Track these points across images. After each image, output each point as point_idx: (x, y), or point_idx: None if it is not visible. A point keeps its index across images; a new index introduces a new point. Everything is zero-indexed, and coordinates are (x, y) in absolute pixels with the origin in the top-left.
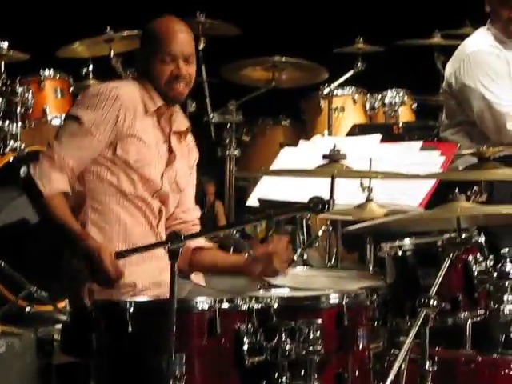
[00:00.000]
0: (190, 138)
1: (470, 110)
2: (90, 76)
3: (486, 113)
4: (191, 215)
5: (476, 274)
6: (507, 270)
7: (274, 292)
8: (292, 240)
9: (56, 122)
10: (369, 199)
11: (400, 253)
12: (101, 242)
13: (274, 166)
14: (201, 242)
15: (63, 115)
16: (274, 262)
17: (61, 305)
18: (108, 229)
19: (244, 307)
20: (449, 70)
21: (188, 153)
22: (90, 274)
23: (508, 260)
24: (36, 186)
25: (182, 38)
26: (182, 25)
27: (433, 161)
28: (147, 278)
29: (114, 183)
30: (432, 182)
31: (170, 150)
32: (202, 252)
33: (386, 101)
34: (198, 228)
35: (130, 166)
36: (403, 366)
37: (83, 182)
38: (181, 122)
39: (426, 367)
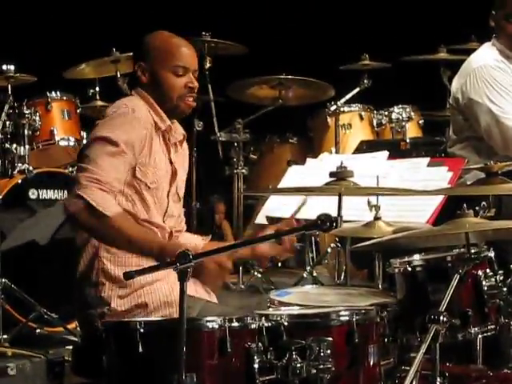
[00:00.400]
0: (185, 144)
1: (477, 124)
2: (97, 97)
3: (493, 127)
4: (183, 223)
5: (486, 288)
6: None
7: (284, 310)
8: (301, 258)
9: (63, 143)
10: (377, 217)
11: (409, 269)
12: (113, 266)
13: (282, 184)
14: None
15: (71, 136)
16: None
17: (71, 326)
18: (120, 253)
19: (254, 326)
20: (455, 85)
21: (184, 159)
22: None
23: None
24: (97, 210)
25: (191, 53)
26: (182, 39)
27: (440, 177)
28: (158, 297)
29: (128, 209)
30: (440, 199)
31: (171, 164)
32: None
33: (393, 117)
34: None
35: (147, 189)
36: (414, 382)
37: None
38: (177, 131)
39: (437, 383)
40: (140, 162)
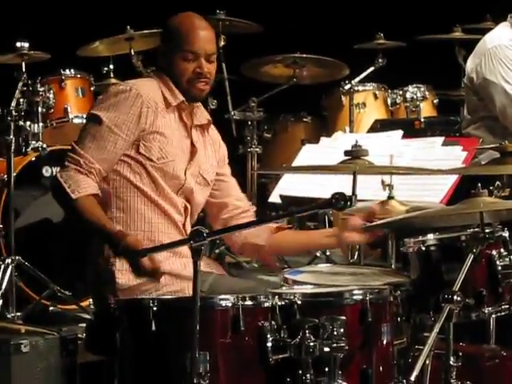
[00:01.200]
0: (212, 131)
1: (492, 104)
2: (111, 75)
3: (508, 107)
4: (246, 203)
5: (500, 268)
6: None
7: (297, 289)
8: None
9: (78, 121)
10: (390, 197)
11: (423, 248)
12: None
13: (296, 163)
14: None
15: (85, 114)
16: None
17: (84, 304)
18: (133, 227)
19: (267, 304)
20: (470, 65)
21: (213, 145)
22: (133, 272)
23: None
24: (64, 190)
25: (204, 36)
26: (203, 22)
27: (455, 156)
28: (171, 273)
29: (136, 183)
30: (454, 178)
31: (192, 145)
32: (284, 231)
33: (408, 96)
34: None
35: (154, 164)
36: (427, 361)
37: (108, 181)
38: (202, 115)
39: (451, 362)
40: (144, 139)
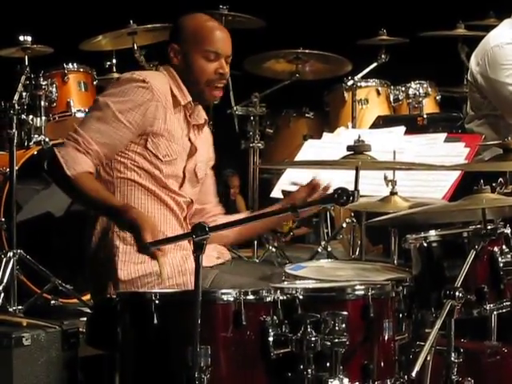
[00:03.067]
0: (206, 129)
1: (495, 101)
2: (114, 69)
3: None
4: (217, 208)
5: (501, 265)
6: None
7: (299, 283)
8: (316, 232)
9: (80, 115)
10: (393, 192)
11: (425, 244)
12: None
13: (298, 158)
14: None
15: (87, 108)
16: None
17: (85, 297)
18: None
19: (269, 299)
20: (473, 62)
21: (206, 143)
22: (136, 246)
23: None
24: (61, 167)
25: (225, 37)
26: (221, 25)
27: (457, 152)
28: (172, 266)
29: (139, 177)
30: (456, 175)
31: (191, 143)
32: None
33: (410, 92)
34: (215, 220)
35: (159, 161)
36: (429, 357)
37: (111, 173)
38: (199, 114)
39: (452, 359)
40: (153, 134)
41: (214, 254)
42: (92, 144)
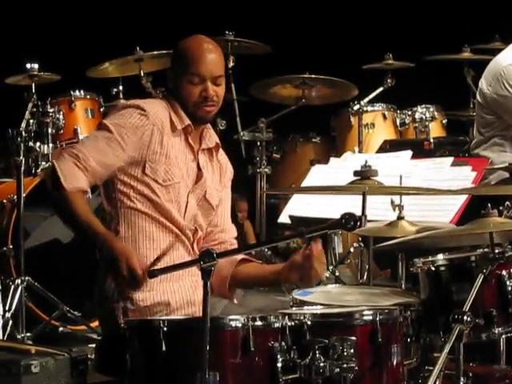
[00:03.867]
0: (221, 154)
1: (508, 117)
2: (121, 96)
3: None
4: (229, 235)
5: (510, 289)
6: None
7: (307, 309)
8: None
9: None
10: (400, 217)
11: (433, 268)
12: None
13: (305, 183)
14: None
15: None
16: (315, 265)
17: (94, 324)
18: (142, 246)
19: (277, 325)
20: (484, 84)
21: (220, 169)
22: (113, 277)
23: None
24: (59, 179)
25: (210, 59)
26: (211, 45)
27: (464, 176)
28: (181, 296)
29: (141, 205)
30: (463, 198)
31: (199, 168)
32: (246, 263)
33: (417, 116)
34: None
35: (159, 186)
36: (437, 382)
37: (116, 204)
38: (211, 138)
39: (461, 383)
40: (150, 159)
41: None
42: (90, 161)
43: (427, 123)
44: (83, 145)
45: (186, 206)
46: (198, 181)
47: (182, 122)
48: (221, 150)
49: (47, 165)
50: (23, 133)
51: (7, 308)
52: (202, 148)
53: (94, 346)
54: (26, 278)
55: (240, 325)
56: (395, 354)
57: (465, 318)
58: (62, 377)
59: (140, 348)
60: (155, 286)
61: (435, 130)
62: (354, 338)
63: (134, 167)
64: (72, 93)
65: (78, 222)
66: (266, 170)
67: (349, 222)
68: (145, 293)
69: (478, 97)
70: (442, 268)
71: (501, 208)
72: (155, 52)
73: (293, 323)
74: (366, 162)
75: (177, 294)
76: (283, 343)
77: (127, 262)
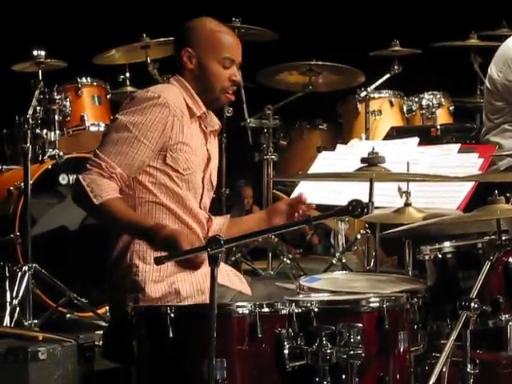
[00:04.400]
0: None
1: None
2: (127, 83)
3: None
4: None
5: None
6: None
7: (314, 296)
8: (330, 244)
9: (94, 129)
10: (407, 203)
11: (440, 255)
12: (148, 249)
13: (312, 170)
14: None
15: (101, 122)
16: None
17: (101, 311)
18: None
19: (284, 311)
20: (494, 70)
21: (216, 149)
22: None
23: None
24: (87, 195)
25: (238, 45)
26: (231, 30)
27: (471, 163)
28: (191, 284)
29: (160, 196)
30: (470, 185)
31: (207, 152)
32: (237, 222)
33: (423, 103)
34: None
35: (180, 175)
36: (444, 368)
37: (133, 191)
38: (213, 120)
39: (468, 370)
40: (171, 149)
41: (236, 279)
42: (115, 167)
43: (434, 110)
44: (104, 151)
45: (202, 193)
46: (208, 164)
47: (200, 109)
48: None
49: (54, 152)
50: (30, 120)
51: (14, 295)
52: (210, 131)
53: (101, 332)
54: (33, 265)
55: (247, 311)
56: (402, 341)
57: (472, 304)
58: (70, 363)
59: (147, 335)
60: (165, 277)
61: (442, 117)
62: (360, 324)
63: (154, 158)
64: (79, 80)
65: (123, 227)
66: (273, 156)
67: (356, 208)
68: (156, 284)
69: (487, 83)
70: (449, 255)
71: (508, 195)
72: (162, 39)
73: (300, 310)
74: (373, 148)
75: (187, 283)
76: (290, 330)
77: (189, 243)
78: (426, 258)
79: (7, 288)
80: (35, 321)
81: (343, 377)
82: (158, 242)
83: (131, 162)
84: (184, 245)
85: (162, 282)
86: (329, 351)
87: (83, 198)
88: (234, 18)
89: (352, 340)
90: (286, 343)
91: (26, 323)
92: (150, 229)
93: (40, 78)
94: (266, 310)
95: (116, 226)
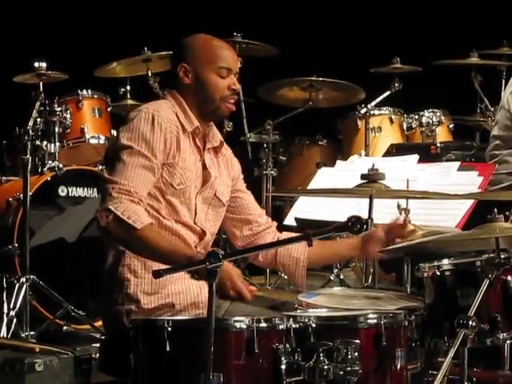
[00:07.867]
0: (226, 149)
1: None
2: (128, 95)
3: None
4: (267, 219)
5: None
6: None
7: (312, 312)
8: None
9: (94, 142)
10: (406, 221)
11: (438, 273)
12: (139, 263)
13: (311, 186)
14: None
15: (101, 135)
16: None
17: (98, 323)
18: None
19: (282, 327)
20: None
21: (227, 165)
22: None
23: None
24: (126, 222)
25: (234, 55)
26: (225, 42)
27: (471, 181)
28: (185, 298)
29: (154, 208)
30: (470, 203)
31: (205, 168)
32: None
33: (423, 121)
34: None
35: (173, 190)
36: None
37: None
38: (215, 137)
39: None
40: (168, 164)
41: None
42: (141, 191)
43: (434, 127)
44: (124, 176)
45: (196, 208)
46: (207, 181)
47: (192, 124)
48: (225, 144)
49: (53, 164)
50: (30, 131)
51: (11, 306)
52: (208, 147)
53: (98, 345)
54: (31, 276)
55: (245, 326)
56: (399, 358)
57: (470, 322)
58: (66, 376)
59: (144, 348)
60: (160, 289)
61: (442, 135)
62: (358, 341)
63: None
64: (79, 92)
65: (164, 255)
66: (272, 172)
67: (355, 225)
68: (149, 296)
69: (504, 104)
70: (448, 273)
71: (507, 213)
72: (163, 52)
73: (297, 325)
74: (373, 165)
75: (181, 296)
76: (287, 345)
77: (232, 286)
78: (425, 275)
79: (4, 299)
80: (32, 332)
81: None
82: (202, 271)
83: (148, 183)
84: (227, 289)
85: (156, 294)
86: (326, 367)
87: (119, 227)
88: (235, 33)
89: (349, 356)
90: (283, 358)
91: (22, 335)
92: (192, 257)
93: (41, 89)
94: (263, 324)
95: (157, 252)
